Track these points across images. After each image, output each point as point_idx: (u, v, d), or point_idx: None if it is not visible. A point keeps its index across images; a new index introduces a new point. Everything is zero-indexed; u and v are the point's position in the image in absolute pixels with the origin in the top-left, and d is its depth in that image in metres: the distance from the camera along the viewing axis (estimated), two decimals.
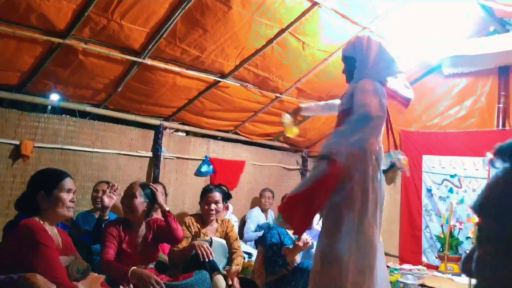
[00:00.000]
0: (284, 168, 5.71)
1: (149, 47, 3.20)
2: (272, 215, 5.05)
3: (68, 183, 1.95)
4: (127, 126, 4.10)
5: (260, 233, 4.30)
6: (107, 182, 3.67)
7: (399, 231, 5.15)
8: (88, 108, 3.80)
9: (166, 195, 3.74)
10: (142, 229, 2.59)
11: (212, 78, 3.85)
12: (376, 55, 2.21)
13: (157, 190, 2.66)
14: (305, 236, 2.95)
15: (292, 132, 2.70)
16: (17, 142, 3.28)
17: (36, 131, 3.42)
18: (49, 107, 3.88)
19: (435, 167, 4.92)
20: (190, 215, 3.15)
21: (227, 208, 4.50)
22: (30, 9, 2.63)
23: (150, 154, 4.24)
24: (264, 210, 4.93)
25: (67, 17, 2.80)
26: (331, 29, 3.56)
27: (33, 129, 3.41)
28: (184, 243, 2.85)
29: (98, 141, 3.82)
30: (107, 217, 2.73)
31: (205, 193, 3.09)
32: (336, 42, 3.74)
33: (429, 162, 4.97)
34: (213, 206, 3.04)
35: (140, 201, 2.55)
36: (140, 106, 4.03)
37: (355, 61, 2.23)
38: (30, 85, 3.31)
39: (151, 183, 2.93)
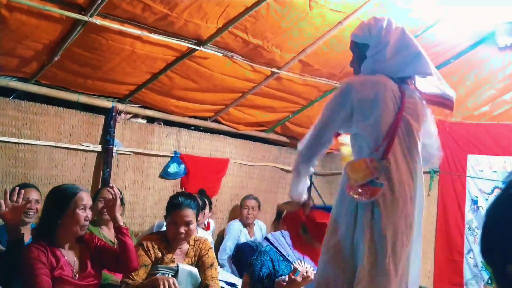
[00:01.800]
0: (281, 169, 5.70)
1: (99, 1, 3.12)
2: (261, 229, 5.05)
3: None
4: (67, 109, 4.04)
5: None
6: (111, 187, 3.58)
7: (433, 256, 5.19)
8: (13, 83, 3.72)
9: (123, 203, 3.71)
10: (75, 248, 2.61)
11: (184, 45, 3.80)
12: (398, 43, 2.31)
13: (115, 196, 2.70)
14: (306, 266, 2.94)
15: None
16: None
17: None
18: None
19: (483, 171, 4.95)
20: (150, 235, 3.11)
21: (207, 227, 4.47)
22: None
23: (98, 147, 4.19)
24: (246, 224, 4.92)
25: None
26: None
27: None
28: (142, 273, 2.81)
29: (26, 128, 3.77)
30: (21, 236, 2.63)
31: (173, 208, 2.99)
32: (354, 0, 3.72)
33: (475, 163, 5.00)
34: (182, 229, 2.93)
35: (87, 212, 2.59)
36: (85, 82, 3.96)
37: (368, 48, 2.33)
38: None
39: (110, 186, 2.89)
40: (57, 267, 2.45)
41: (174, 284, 2.68)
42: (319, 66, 4.48)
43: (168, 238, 3.01)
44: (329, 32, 4.01)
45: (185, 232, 2.95)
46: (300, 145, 2.43)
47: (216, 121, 5.12)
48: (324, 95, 4.98)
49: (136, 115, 4.54)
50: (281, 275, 3.05)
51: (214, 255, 3.20)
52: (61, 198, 2.51)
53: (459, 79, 5.00)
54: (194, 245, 3.08)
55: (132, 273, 2.76)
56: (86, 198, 2.55)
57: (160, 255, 2.92)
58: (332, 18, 3.88)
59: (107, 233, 3.58)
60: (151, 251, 2.91)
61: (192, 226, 2.99)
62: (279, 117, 5.37)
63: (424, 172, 5.34)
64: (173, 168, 4.67)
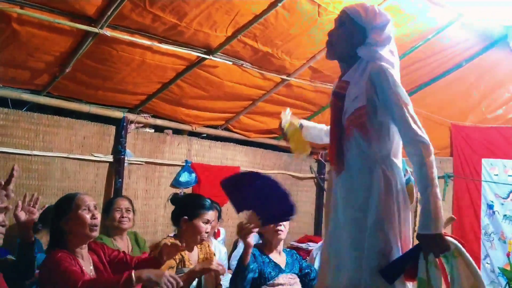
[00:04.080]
0: (292, 176, 5.70)
1: (109, 13, 3.16)
2: None
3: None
4: (79, 120, 4.08)
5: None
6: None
7: None
8: (25, 96, 3.77)
9: (133, 212, 3.75)
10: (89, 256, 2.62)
11: (194, 54, 3.83)
12: (390, 36, 2.25)
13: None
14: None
15: (302, 145, 2.64)
16: None
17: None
18: None
19: (498, 175, 4.91)
20: (169, 237, 3.13)
21: (217, 234, 4.48)
22: None
23: (110, 157, 4.22)
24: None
25: None
26: None
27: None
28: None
29: (38, 140, 3.81)
30: (33, 238, 2.75)
31: (204, 208, 3.09)
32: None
33: (490, 168, 4.96)
34: (208, 228, 3.09)
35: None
36: (96, 93, 4.00)
37: (364, 33, 2.21)
38: None
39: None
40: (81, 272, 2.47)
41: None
42: (329, 72, 4.49)
43: (186, 239, 3.02)
44: None
45: (208, 233, 3.12)
46: (422, 133, 2.06)
47: (227, 129, 5.14)
48: None
49: (147, 125, 4.57)
50: (266, 278, 3.08)
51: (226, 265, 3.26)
52: (63, 204, 2.55)
53: (473, 82, 4.98)
54: (201, 248, 3.18)
55: None
56: (87, 199, 2.55)
57: (181, 257, 2.96)
58: None
59: (121, 244, 3.61)
60: None
61: (210, 226, 3.14)
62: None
63: (438, 177, 5.39)
64: (184, 177, 4.69)
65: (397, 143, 2.19)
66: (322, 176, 5.93)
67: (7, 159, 3.62)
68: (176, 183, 4.67)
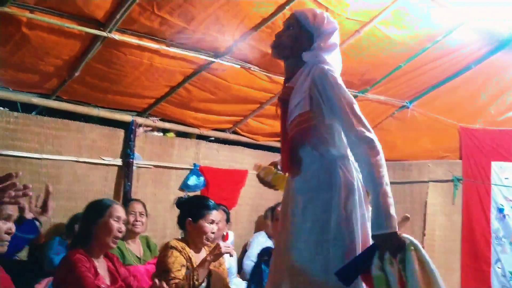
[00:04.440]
0: None
1: (117, 17, 3.19)
2: None
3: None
4: (88, 124, 4.11)
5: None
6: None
7: (459, 266, 5.11)
8: (35, 100, 3.80)
9: (147, 216, 3.77)
10: (104, 261, 2.70)
11: (202, 57, 3.85)
12: (336, 43, 2.21)
13: None
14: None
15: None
16: None
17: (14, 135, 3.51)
18: None
19: (508, 178, 4.87)
20: (176, 239, 3.14)
21: (226, 237, 4.47)
22: None
23: (118, 161, 4.24)
24: (272, 236, 4.89)
25: None
26: None
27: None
28: (183, 272, 2.82)
29: (48, 143, 3.83)
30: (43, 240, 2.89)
31: (208, 208, 3.09)
32: (371, 6, 3.72)
33: (500, 171, 4.92)
34: (215, 228, 3.09)
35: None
36: (105, 96, 4.03)
37: (311, 38, 2.16)
38: None
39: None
40: (96, 277, 2.51)
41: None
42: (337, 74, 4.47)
43: (193, 241, 3.02)
44: (346, 41, 4.01)
45: (215, 233, 3.12)
46: (367, 133, 1.98)
47: (235, 132, 5.15)
48: None
49: (155, 128, 4.60)
50: None
51: (235, 268, 3.24)
52: (97, 208, 2.68)
53: (481, 84, 4.96)
54: (209, 250, 3.13)
55: (174, 272, 2.78)
56: (121, 211, 2.69)
57: (189, 257, 2.96)
58: (349, 27, 3.89)
59: (133, 248, 3.62)
60: (184, 252, 2.95)
61: (216, 227, 3.15)
62: None
63: (447, 180, 5.39)
64: (192, 181, 4.70)
65: None
66: None
67: (17, 162, 3.65)
68: (184, 187, 4.68)
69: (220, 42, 3.76)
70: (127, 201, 3.89)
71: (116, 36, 3.33)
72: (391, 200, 1.88)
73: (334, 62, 2.17)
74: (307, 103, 2.05)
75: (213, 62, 3.91)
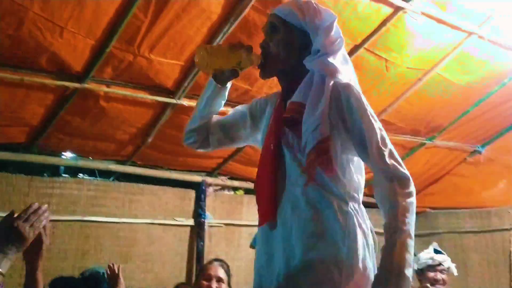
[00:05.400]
0: (377, 232, 5.51)
1: (185, 84, 3.37)
2: None
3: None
4: (161, 187, 4.26)
5: None
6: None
7: None
8: (112, 166, 4.02)
9: (229, 276, 3.64)
10: None
11: None
12: (341, 37, 1.64)
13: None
14: None
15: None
16: None
17: (50, 199, 3.64)
18: (62, 167, 4.14)
19: None
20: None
21: None
22: (40, 50, 2.90)
23: (191, 221, 4.32)
24: None
25: (84, 56, 3.05)
26: (423, 38, 3.53)
27: (46, 197, 3.64)
28: None
29: (125, 207, 3.99)
30: None
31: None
32: (432, 54, 3.70)
33: None
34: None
35: None
36: (176, 159, 4.18)
37: (307, 38, 1.61)
38: (41, 143, 3.58)
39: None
40: None
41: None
42: (402, 124, 4.41)
43: None
44: (409, 89, 3.98)
45: None
46: (401, 169, 1.48)
47: None
48: (410, 152, 4.85)
49: (224, 187, 4.66)
50: None
51: None
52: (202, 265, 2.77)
53: None
54: None
55: None
56: (213, 270, 2.76)
57: None
58: (411, 76, 3.86)
59: None
60: None
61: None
62: (366, 177, 5.25)
63: None
64: None
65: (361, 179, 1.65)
66: None
67: (98, 227, 3.82)
68: (255, 243, 4.65)
69: None
70: (200, 261, 3.88)
71: (185, 102, 3.50)
72: (409, 257, 1.40)
73: (345, 67, 1.64)
74: (328, 127, 1.51)
75: None
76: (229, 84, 1.75)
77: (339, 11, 3.15)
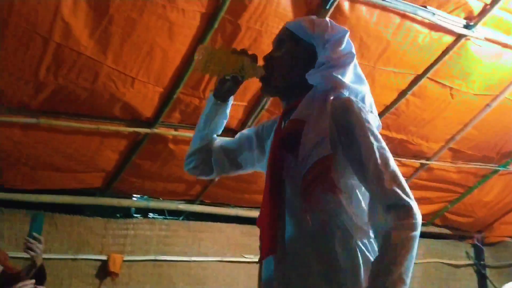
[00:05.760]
0: (447, 264, 5.30)
1: (248, 123, 3.45)
2: None
3: None
4: (228, 224, 4.32)
5: None
6: None
7: None
8: (181, 206, 4.13)
9: None
10: None
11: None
12: (352, 52, 1.49)
13: None
14: None
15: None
16: (105, 257, 3.67)
17: (124, 241, 3.80)
18: (133, 209, 4.28)
19: None
20: None
21: None
22: (114, 100, 3.09)
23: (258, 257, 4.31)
24: None
25: (153, 103, 3.21)
26: (488, 64, 3.46)
27: (121, 238, 3.80)
28: None
29: (195, 245, 4.07)
30: None
31: None
32: (499, 78, 3.60)
33: None
34: None
35: None
36: (242, 196, 4.25)
37: (314, 52, 1.49)
38: (115, 186, 3.76)
39: None
40: None
41: None
42: (472, 151, 4.28)
43: None
44: (477, 117, 3.87)
45: None
46: (404, 196, 1.22)
47: None
48: (482, 180, 4.67)
49: None
50: None
51: None
52: None
53: None
54: None
55: None
56: None
57: None
58: (478, 102, 3.77)
59: None
60: None
61: None
62: (435, 208, 5.10)
63: None
64: None
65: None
66: (482, 262, 5.43)
67: (169, 266, 3.91)
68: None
69: None
70: None
71: None
72: None
73: (355, 81, 1.48)
74: (329, 145, 1.31)
75: None
76: (230, 101, 1.61)
77: (398, 44, 3.17)
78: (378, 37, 3.08)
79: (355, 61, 1.47)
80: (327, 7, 2.79)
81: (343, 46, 1.46)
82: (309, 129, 1.37)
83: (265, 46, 2.99)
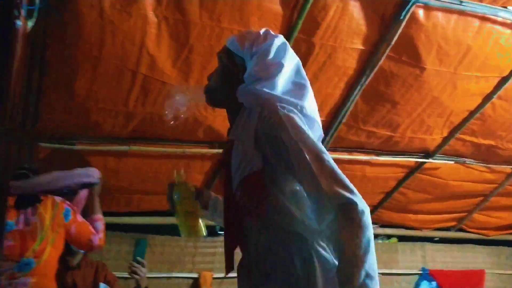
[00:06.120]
0: None
1: (327, 138, 3.46)
2: None
3: None
4: None
5: None
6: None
7: None
8: None
9: None
10: None
11: (413, 160, 3.87)
12: (281, 62, 1.41)
13: None
14: None
15: (193, 222, 1.68)
16: (196, 275, 3.81)
17: (213, 258, 3.92)
18: (218, 227, 4.38)
19: None
20: None
21: None
22: (197, 124, 3.23)
23: None
24: None
25: None
26: None
27: (211, 256, 3.94)
28: None
29: None
30: None
31: None
32: None
33: None
34: None
35: None
36: None
37: (244, 64, 1.44)
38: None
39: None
40: None
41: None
42: None
43: None
44: None
45: None
46: (345, 192, 1.18)
47: (461, 229, 4.84)
48: None
49: (377, 235, 4.60)
50: None
51: None
52: None
53: None
54: None
55: None
56: None
57: None
58: None
59: None
60: None
61: None
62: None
63: None
64: (424, 286, 4.48)
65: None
66: None
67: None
68: None
69: (429, 142, 3.75)
70: None
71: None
72: None
73: (288, 91, 1.39)
74: (256, 161, 1.31)
75: (425, 162, 3.88)
76: (212, 204, 1.67)
77: (479, 47, 3.07)
78: (457, 42, 3.00)
79: (294, 67, 1.44)
80: (401, 17, 2.76)
81: (270, 56, 1.40)
82: (236, 149, 1.39)
83: (340, 62, 3.02)
